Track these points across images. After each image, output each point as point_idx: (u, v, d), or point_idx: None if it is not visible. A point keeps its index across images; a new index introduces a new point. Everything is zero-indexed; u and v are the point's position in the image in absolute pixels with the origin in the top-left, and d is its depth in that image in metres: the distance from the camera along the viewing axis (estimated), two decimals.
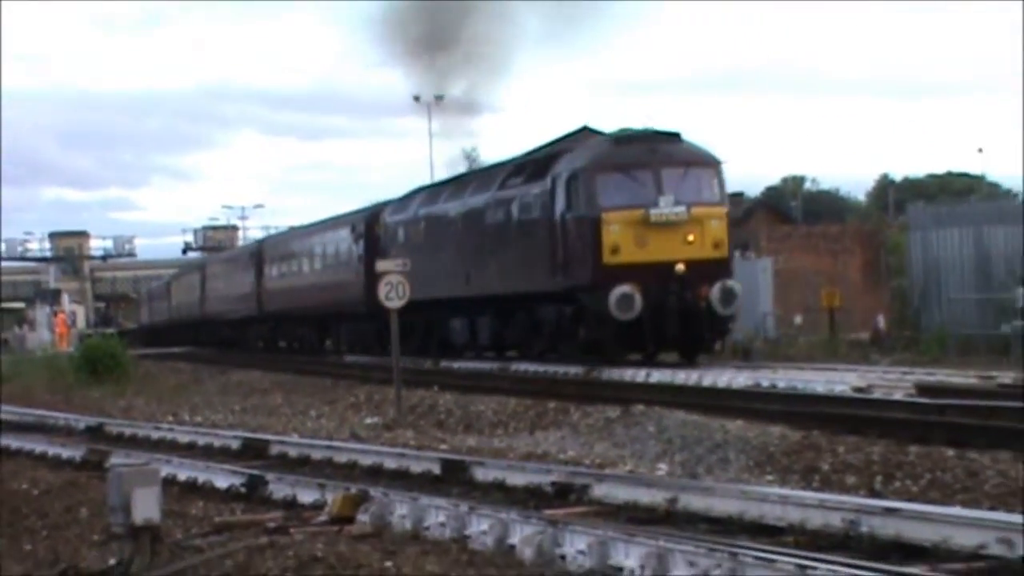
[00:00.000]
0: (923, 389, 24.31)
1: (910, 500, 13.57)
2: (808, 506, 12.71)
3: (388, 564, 11.39)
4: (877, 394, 23.98)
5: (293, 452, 21.53)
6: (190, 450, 23.15)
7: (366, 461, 19.50)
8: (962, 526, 11.25)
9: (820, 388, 25.75)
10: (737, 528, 12.58)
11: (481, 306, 41.48)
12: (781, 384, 26.96)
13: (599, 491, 14.99)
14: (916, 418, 20.63)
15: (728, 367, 33.16)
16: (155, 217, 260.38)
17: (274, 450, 21.97)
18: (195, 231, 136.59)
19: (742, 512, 13.06)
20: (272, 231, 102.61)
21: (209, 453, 22.54)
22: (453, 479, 17.14)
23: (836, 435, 19.17)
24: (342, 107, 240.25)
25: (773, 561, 10.12)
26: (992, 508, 13.20)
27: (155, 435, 25.95)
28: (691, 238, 31.79)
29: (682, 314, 31.30)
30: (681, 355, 34.36)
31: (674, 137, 33.85)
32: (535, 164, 37.83)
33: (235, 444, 23.23)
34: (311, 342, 66.17)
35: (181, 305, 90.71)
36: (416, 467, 18.40)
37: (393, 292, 32.90)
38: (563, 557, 11.60)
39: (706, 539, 11.48)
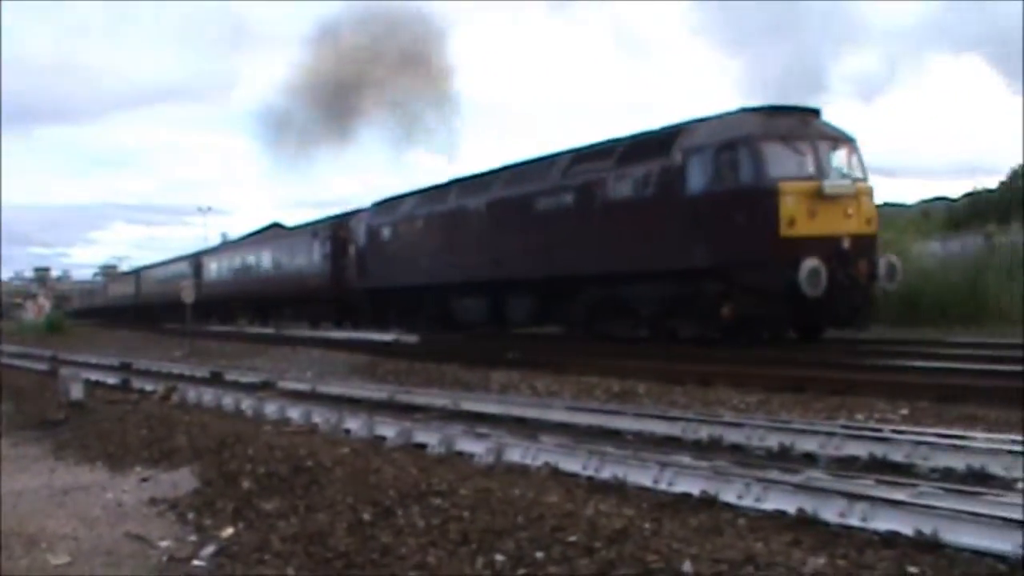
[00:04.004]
0: (422, 338, 24.58)
1: (416, 387, 13.87)
2: (372, 391, 13.06)
3: (187, 418, 11.30)
4: (404, 341, 24.31)
5: (143, 367, 20.66)
6: (96, 367, 21.93)
7: (175, 371, 18.95)
8: (437, 397, 11.78)
9: (378, 338, 25.69)
10: (343, 400, 12.69)
11: (525, 289, 21.75)
12: (366, 336, 26.73)
13: (281, 385, 15.00)
14: (420, 351, 20.78)
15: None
16: (78, 260, 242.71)
17: (135, 367, 20.99)
18: (100, 267, 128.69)
19: (343, 393, 13.30)
20: (134, 265, 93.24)
21: (105, 368, 21.42)
22: (216, 380, 16.82)
23: (386, 358, 19.40)
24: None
25: (358, 412, 10.43)
26: (446, 389, 13.51)
27: (80, 359, 24.41)
28: (851, 212, 15.83)
29: (851, 290, 15.52)
30: (802, 335, 16.63)
31: (816, 113, 16.95)
32: (639, 146, 18.19)
33: (116, 363, 22.16)
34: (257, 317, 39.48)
35: (116, 296, 70.42)
36: (199, 374, 18.00)
37: (186, 293, 31.57)
38: (265, 412, 11.60)
39: (330, 405, 11.67)
